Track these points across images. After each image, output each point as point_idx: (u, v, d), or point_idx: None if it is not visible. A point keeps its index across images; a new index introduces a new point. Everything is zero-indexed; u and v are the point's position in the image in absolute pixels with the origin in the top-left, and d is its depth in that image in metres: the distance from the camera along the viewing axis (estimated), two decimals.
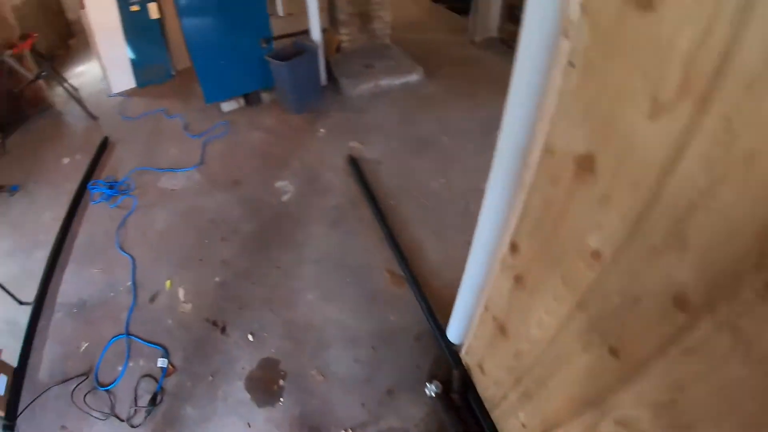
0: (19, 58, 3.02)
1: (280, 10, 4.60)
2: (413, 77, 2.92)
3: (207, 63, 2.57)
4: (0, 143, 3.09)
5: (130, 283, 1.88)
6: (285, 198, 2.22)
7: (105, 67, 3.35)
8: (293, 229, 1.99)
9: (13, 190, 2.81)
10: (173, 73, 3.52)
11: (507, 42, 3.34)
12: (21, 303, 2.01)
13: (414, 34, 3.70)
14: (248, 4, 2.43)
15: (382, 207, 1.96)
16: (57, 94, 3.51)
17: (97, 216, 2.29)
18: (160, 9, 3.20)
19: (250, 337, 1.59)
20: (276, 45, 2.80)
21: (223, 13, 2.40)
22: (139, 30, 3.22)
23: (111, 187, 2.39)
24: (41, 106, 3.53)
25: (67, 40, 4.80)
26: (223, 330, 1.61)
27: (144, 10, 3.13)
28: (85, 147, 2.90)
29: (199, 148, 2.60)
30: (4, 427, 1.50)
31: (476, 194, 2.39)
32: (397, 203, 2.03)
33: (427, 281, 1.63)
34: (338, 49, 3.35)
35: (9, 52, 2.82)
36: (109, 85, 3.49)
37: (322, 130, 2.70)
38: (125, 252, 2.02)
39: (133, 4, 3.09)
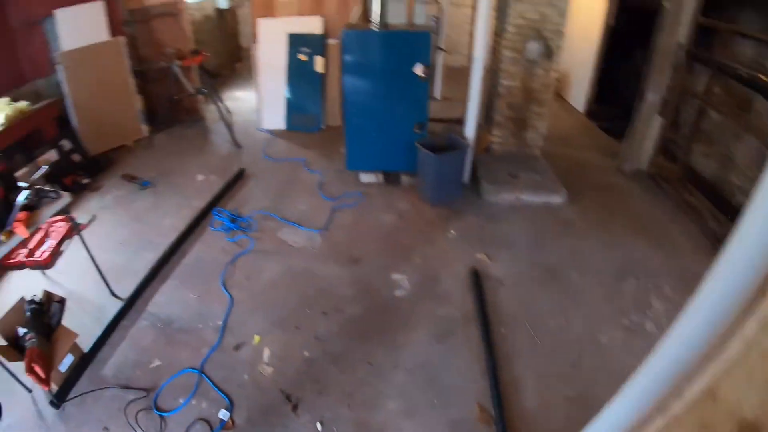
0: (187, 70, 5.40)
1: (437, 92, 6.52)
2: (555, 198, 3.96)
3: (357, 130, 4.15)
4: (148, 136, 5.22)
5: (221, 322, 3.00)
6: (398, 293, 3.18)
7: (261, 101, 5.55)
8: (397, 328, 2.85)
9: (144, 184, 4.74)
10: (323, 126, 5.45)
11: (655, 179, 4.11)
12: (114, 295, 3.39)
13: (562, 149, 5.05)
14: (412, 87, 3.95)
15: (492, 333, 2.67)
16: (211, 110, 5.82)
17: (212, 243, 3.71)
18: (326, 65, 5.23)
19: (319, 426, 2.36)
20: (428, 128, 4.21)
21: (385, 87, 3.91)
22: (301, 77, 5.39)
23: (233, 221, 3.87)
24: (194, 116, 5.89)
25: (235, 63, 7.87)
26: (295, 408, 2.44)
27: (310, 61, 5.35)
28: (222, 170, 4.74)
29: (328, 212, 3.98)
30: (52, 402, 2.57)
31: (593, 348, 2.92)
32: (508, 333, 2.76)
33: (516, 427, 2.16)
34: (487, 149, 4.67)
35: (179, 62, 5.17)
36: (260, 119, 5.62)
37: (452, 231, 3.77)
38: (227, 290, 3.24)
39: (301, 52, 5.32)
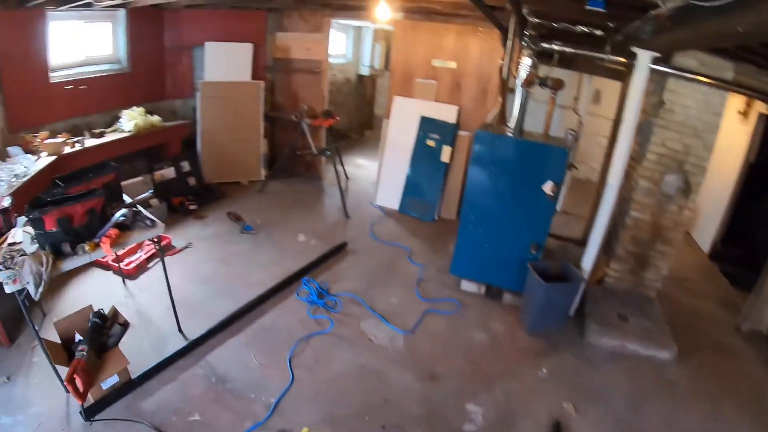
0: (315, 129, 5.62)
1: (558, 203, 6.20)
2: (663, 354, 3.60)
3: (470, 234, 3.97)
4: (264, 181, 5.51)
5: (274, 400, 2.83)
6: (467, 428, 2.79)
7: (380, 176, 5.65)
8: None
9: (246, 228, 4.92)
10: (436, 217, 5.38)
11: None
12: (180, 331, 3.38)
13: (677, 291, 4.62)
14: (537, 204, 3.70)
15: None
16: (330, 172, 6.05)
17: (292, 312, 3.64)
18: (453, 155, 5.24)
19: None
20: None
21: (509, 197, 3.76)
22: (424, 162, 5.45)
23: (320, 296, 3.80)
24: (313, 173, 6.17)
25: (365, 129, 8.35)
26: None
27: (438, 148, 5.38)
28: (324, 236, 4.79)
29: (419, 314, 3.76)
30: (85, 411, 2.56)
31: None
32: None
33: None
34: (600, 281, 4.19)
35: (308, 121, 5.40)
36: (376, 193, 5.70)
37: (544, 369, 3.33)
38: (291, 367, 3.08)
39: (430, 138, 5.38)
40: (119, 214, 3.11)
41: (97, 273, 3.98)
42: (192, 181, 5.68)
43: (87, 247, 2.78)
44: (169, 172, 5.46)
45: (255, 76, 6.00)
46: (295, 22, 6.01)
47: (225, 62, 5.75)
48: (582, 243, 4.85)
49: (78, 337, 2.89)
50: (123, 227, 3.05)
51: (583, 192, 6.39)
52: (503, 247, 3.89)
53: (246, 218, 5.13)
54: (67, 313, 3.07)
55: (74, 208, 2.81)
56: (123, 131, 5.07)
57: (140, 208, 3.32)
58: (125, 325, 3.13)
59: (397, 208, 5.62)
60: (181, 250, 4.47)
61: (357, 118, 8.53)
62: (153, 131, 5.21)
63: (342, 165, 6.34)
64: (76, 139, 4.58)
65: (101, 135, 4.90)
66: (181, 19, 5.60)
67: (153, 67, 5.63)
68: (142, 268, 4.19)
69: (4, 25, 4.07)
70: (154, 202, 5.09)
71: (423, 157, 5.44)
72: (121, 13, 5.09)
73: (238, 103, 5.83)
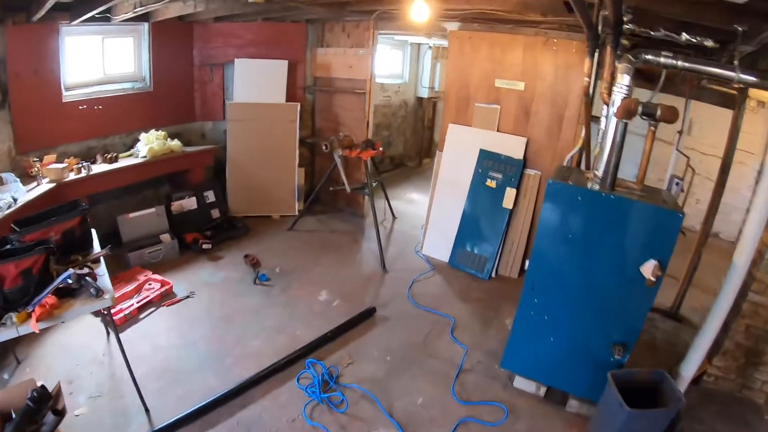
0: (353, 162, 4.74)
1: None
2: None
3: (533, 321, 2.86)
4: (297, 216, 4.92)
5: None
6: None
7: (429, 220, 4.64)
8: None
9: (261, 278, 4.11)
10: (492, 275, 4.26)
11: None
12: (145, 408, 2.64)
13: None
14: (629, 289, 2.49)
15: None
16: (375, 207, 5.10)
17: (285, 405, 2.78)
18: (517, 200, 4.09)
19: None
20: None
21: (591, 273, 2.66)
22: (482, 206, 4.41)
23: (325, 386, 2.85)
24: (355, 209, 5.30)
25: (423, 157, 7.37)
26: None
27: (499, 190, 4.30)
28: (351, 296, 3.94)
29: (451, 425, 2.71)
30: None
31: None
32: None
33: None
34: (696, 381, 2.99)
35: (341, 152, 4.50)
36: (422, 240, 4.68)
37: None
38: None
39: (491, 177, 4.32)
40: (63, 277, 2.42)
41: (86, 316, 3.37)
42: (215, 213, 5.03)
43: (15, 318, 2.23)
44: (189, 203, 4.84)
45: (291, 97, 5.29)
46: (336, 36, 5.25)
47: (257, 81, 5.09)
48: (672, 315, 3.84)
49: (13, 414, 2.29)
50: (66, 293, 2.41)
51: (681, 246, 4.98)
52: (576, 342, 2.79)
53: (266, 263, 4.37)
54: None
55: (6, 267, 2.25)
56: (138, 156, 4.48)
57: (92, 268, 2.58)
58: (61, 414, 2.45)
59: (447, 260, 4.59)
60: (180, 300, 3.80)
61: (414, 145, 7.61)
62: (171, 157, 4.61)
63: (388, 201, 5.43)
64: (81, 163, 4.01)
65: (114, 160, 4.38)
66: (210, 33, 5.04)
67: (179, 86, 5.08)
68: (132, 318, 3.50)
69: (13, 41, 3.71)
70: (166, 237, 4.48)
71: (481, 199, 4.39)
72: (144, 27, 4.58)
73: (271, 128, 5.13)
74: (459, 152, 4.51)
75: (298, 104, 5.18)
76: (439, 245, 4.64)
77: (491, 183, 4.33)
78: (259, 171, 5.22)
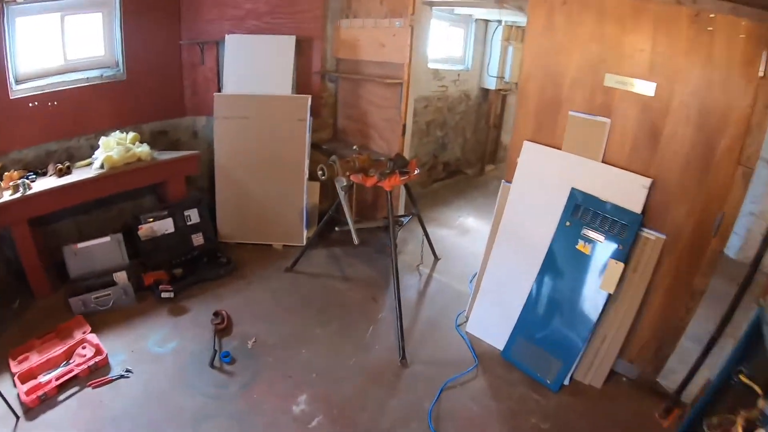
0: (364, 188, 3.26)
1: None
2: None
3: None
4: (304, 247, 3.78)
5: None
6: None
7: (480, 283, 3.02)
8: None
9: (222, 358, 2.86)
10: (565, 383, 2.67)
11: None
12: None
13: None
14: None
15: None
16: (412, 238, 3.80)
17: None
18: (623, 280, 2.44)
19: None
20: None
21: None
22: (564, 281, 2.77)
23: None
24: (385, 240, 3.82)
25: (486, 164, 5.65)
26: None
27: (596, 261, 2.62)
28: (341, 409, 2.61)
29: None
30: None
31: None
32: None
33: None
34: None
35: (344, 181, 3.02)
36: (468, 310, 3.16)
37: None
38: None
39: (586, 239, 2.66)
40: None
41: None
42: (198, 239, 3.81)
43: None
44: (163, 226, 3.66)
45: (303, 86, 3.89)
46: (366, 3, 3.68)
47: (254, 65, 3.76)
48: None
49: None
50: None
51: None
52: None
53: (240, 326, 3.14)
54: None
55: None
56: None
57: None
58: None
59: (500, 347, 3.01)
60: (110, 381, 2.63)
61: (475, 148, 5.90)
62: (137, 168, 3.41)
63: (428, 238, 3.89)
64: (22, 179, 3.02)
65: (67, 171, 3.31)
66: (201, 2, 3.69)
67: (162, 72, 3.88)
68: (49, 399, 2.49)
69: None
70: (121, 276, 3.34)
71: (565, 269, 2.76)
72: None
73: (273, 128, 3.79)
74: (536, 188, 2.85)
75: (309, 97, 3.74)
76: (492, 323, 3.07)
77: (584, 247, 2.66)
78: (257, 185, 3.91)
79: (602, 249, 2.61)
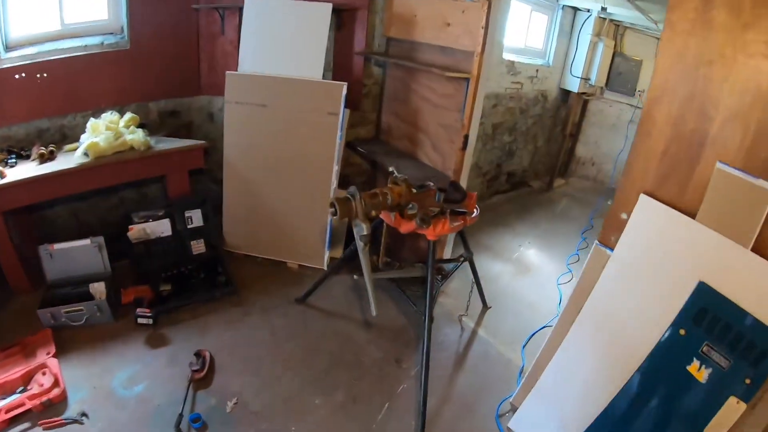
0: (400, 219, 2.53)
1: None
2: None
3: None
4: (325, 272, 3.07)
5: None
6: None
7: (536, 372, 2.19)
8: None
9: (192, 423, 2.21)
10: None
11: None
12: None
13: None
14: None
15: None
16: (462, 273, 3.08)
17: None
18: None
19: None
20: None
21: None
22: (660, 407, 1.91)
23: None
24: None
25: (555, 176, 4.63)
26: None
27: (712, 391, 1.77)
28: None
29: None
30: None
31: None
32: None
33: None
34: None
35: (363, 228, 2.08)
36: (516, 398, 2.34)
37: None
38: None
39: (704, 360, 1.79)
40: None
41: None
42: (198, 246, 3.19)
43: None
44: (158, 227, 3.06)
45: (339, 69, 3.08)
46: None
47: (277, 38, 2.97)
48: None
49: None
50: None
51: None
52: None
53: (223, 376, 2.56)
54: None
55: None
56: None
57: None
58: None
59: None
60: (63, 425, 2.15)
61: (546, 158, 4.85)
62: (128, 159, 2.79)
63: (478, 283, 3.02)
64: None
65: (50, 156, 2.78)
66: None
67: (173, 42, 3.24)
68: None
69: None
70: (98, 288, 2.80)
71: (663, 389, 1.83)
72: None
73: (296, 121, 3.04)
74: (647, 266, 1.88)
75: (345, 85, 2.92)
76: (544, 427, 2.21)
77: (698, 370, 1.72)
78: (273, 191, 3.20)
79: (724, 378, 1.67)
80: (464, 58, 2.71)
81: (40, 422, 2.11)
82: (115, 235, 3.00)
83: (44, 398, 2.17)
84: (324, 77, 3.23)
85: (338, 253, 3.39)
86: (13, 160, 2.72)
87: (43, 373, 2.35)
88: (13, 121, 2.87)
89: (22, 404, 2.15)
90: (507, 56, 3.93)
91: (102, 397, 2.31)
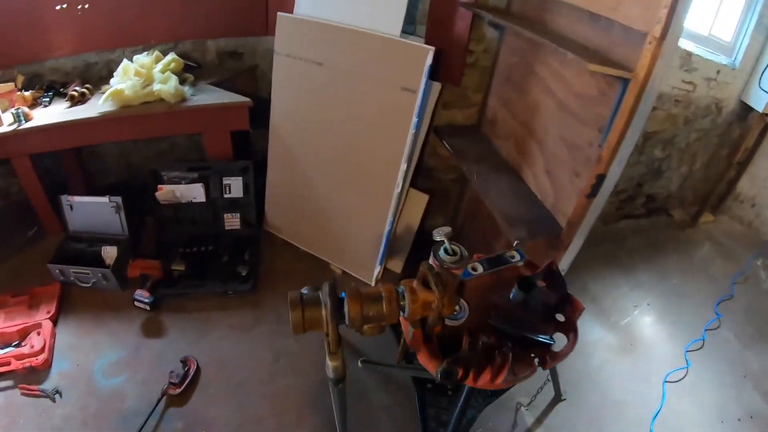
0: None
1: None
2: None
3: None
4: (375, 289, 2.11)
5: None
6: None
7: None
8: None
9: None
10: None
11: None
12: None
13: None
14: None
15: None
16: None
17: None
18: None
19: None
20: None
21: None
22: None
23: None
24: None
25: (704, 210, 3.30)
26: None
27: None
28: None
29: None
30: None
31: None
32: None
33: None
34: None
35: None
36: None
37: None
38: None
39: None
40: None
41: None
42: (233, 221, 2.75)
43: None
44: (190, 192, 2.64)
45: (434, 27, 2.25)
46: None
47: None
48: None
49: None
50: None
51: None
52: None
53: (201, 396, 2.27)
54: None
55: None
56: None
57: None
58: None
59: None
60: (39, 395, 2.07)
61: (701, 185, 3.41)
62: (155, 112, 2.35)
63: (552, 373, 2.11)
64: (17, 109, 2.29)
65: (80, 99, 2.49)
66: None
67: None
68: None
69: None
70: (110, 252, 2.49)
71: None
72: None
73: (359, 92, 2.28)
74: None
75: (432, 50, 2.05)
76: None
77: None
78: (322, 176, 2.57)
79: None
80: (626, 41, 1.65)
81: (20, 385, 2.07)
82: (155, 186, 2.65)
83: (29, 364, 2.10)
84: (416, 32, 2.38)
85: (396, 265, 2.70)
86: (47, 99, 2.47)
87: (38, 333, 2.25)
88: (60, 54, 2.61)
89: (8, 363, 2.10)
90: (684, 44, 2.62)
91: (81, 378, 2.15)
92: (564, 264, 2.03)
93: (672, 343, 2.55)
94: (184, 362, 2.19)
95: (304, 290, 1.16)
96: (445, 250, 1.29)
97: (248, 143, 3.05)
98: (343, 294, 1.14)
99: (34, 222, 2.79)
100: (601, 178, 1.73)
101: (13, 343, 2.22)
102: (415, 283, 1.13)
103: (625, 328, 2.64)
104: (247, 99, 2.47)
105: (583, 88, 1.87)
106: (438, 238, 1.30)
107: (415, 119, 2.20)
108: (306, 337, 2.33)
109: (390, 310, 1.10)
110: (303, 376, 2.21)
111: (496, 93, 2.51)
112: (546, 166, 2.10)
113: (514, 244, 1.78)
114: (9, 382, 2.10)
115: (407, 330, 1.35)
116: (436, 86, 2.39)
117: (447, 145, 2.51)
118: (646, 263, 3.10)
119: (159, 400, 2.03)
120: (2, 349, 2.18)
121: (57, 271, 2.45)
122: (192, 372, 2.15)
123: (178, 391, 2.07)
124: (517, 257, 1.38)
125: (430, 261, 1.31)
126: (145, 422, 1.95)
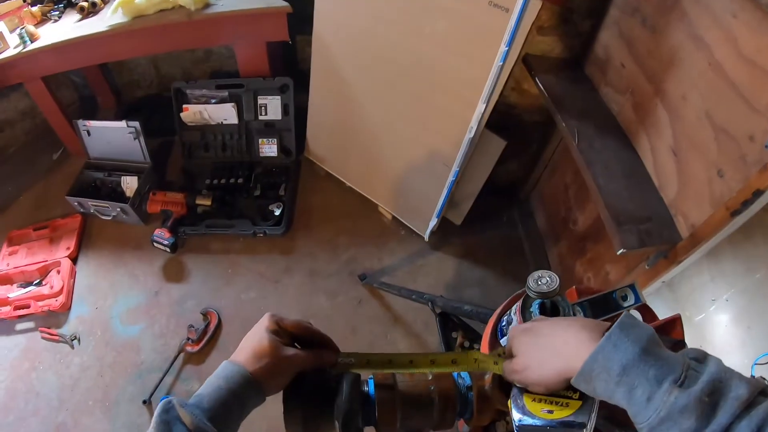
0: None
1: None
2: None
3: None
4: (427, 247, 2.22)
5: None
6: None
7: None
8: None
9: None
10: None
11: None
12: None
13: None
14: None
15: None
16: None
17: None
18: None
19: None
20: None
21: None
22: None
23: None
24: None
25: None
26: None
27: None
28: None
29: None
30: None
31: None
32: None
33: None
34: None
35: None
36: None
37: None
38: None
39: None
40: None
41: None
42: (269, 148, 2.38)
43: None
44: (221, 113, 2.27)
45: None
46: None
47: None
48: None
49: None
50: None
51: None
52: None
53: (221, 351, 1.89)
54: None
55: None
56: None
57: None
58: None
59: None
60: (58, 340, 1.94)
61: None
62: (172, 23, 1.92)
63: None
64: (21, 28, 2.02)
65: (91, 10, 2.15)
66: None
67: None
68: (3, 322, 2.02)
69: None
70: (130, 183, 2.21)
71: None
72: None
73: (432, 3, 1.65)
74: None
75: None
76: None
77: None
78: (376, 104, 2.08)
79: None
80: None
81: (40, 328, 1.96)
82: (179, 106, 2.29)
83: (47, 308, 1.97)
84: None
85: (457, 217, 2.21)
86: (57, 13, 2.15)
87: (57, 272, 2.10)
88: None
89: (27, 306, 1.99)
90: None
91: (98, 324, 2.00)
92: (667, 277, 1.48)
93: (741, 353, 1.91)
94: (205, 315, 1.91)
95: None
96: (542, 308, 0.77)
97: (293, 53, 2.56)
98: (371, 385, 0.66)
99: (59, 144, 2.57)
100: (758, 195, 1.09)
101: (34, 282, 2.08)
102: (487, 384, 0.65)
103: (698, 326, 2.01)
104: (284, 3, 1.95)
105: (760, 54, 1.13)
106: (533, 295, 0.77)
107: (504, 48, 1.59)
108: (339, 295, 2.01)
109: (442, 420, 0.64)
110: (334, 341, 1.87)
111: (616, 23, 1.78)
112: (674, 145, 1.42)
113: (618, 252, 1.24)
114: (30, 324, 1.99)
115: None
116: (535, 5, 1.71)
117: (539, 84, 1.87)
118: (733, 248, 2.35)
119: (176, 357, 1.79)
120: (24, 288, 2.05)
121: (76, 203, 2.23)
122: (212, 328, 1.87)
123: (196, 348, 1.82)
124: (631, 299, 0.85)
125: (513, 313, 0.80)
126: (161, 380, 1.75)
